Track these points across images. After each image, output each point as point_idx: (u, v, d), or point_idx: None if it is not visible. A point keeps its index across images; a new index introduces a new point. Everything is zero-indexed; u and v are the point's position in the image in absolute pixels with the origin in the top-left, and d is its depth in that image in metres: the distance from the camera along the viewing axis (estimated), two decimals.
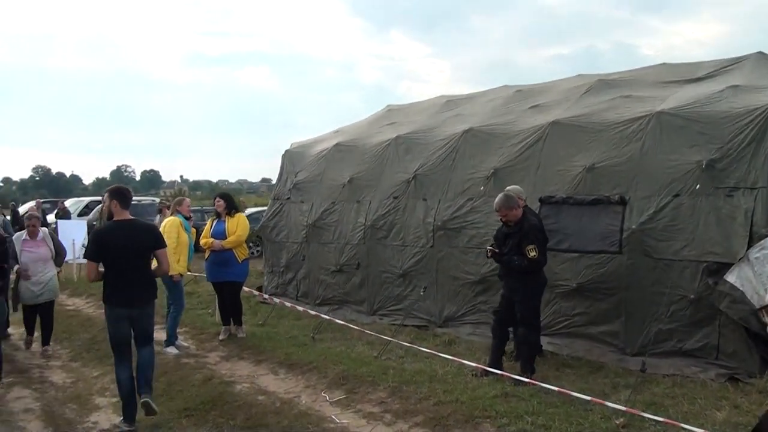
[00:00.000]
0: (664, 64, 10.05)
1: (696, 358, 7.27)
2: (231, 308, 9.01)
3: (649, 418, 5.45)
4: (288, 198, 11.82)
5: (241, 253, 8.95)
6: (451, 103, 11.44)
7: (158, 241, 6.09)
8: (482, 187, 9.06)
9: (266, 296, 10.92)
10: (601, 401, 5.84)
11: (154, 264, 6.09)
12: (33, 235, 8.71)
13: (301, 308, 9.71)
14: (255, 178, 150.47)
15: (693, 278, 7.33)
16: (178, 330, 8.75)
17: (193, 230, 8.90)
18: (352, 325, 8.81)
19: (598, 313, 7.86)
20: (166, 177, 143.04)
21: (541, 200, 8.50)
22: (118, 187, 6.15)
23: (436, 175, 9.72)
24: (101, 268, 5.85)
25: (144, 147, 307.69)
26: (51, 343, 9.07)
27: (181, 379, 7.23)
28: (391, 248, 9.97)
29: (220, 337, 8.92)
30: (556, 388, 6.15)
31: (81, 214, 20.15)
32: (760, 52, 9.14)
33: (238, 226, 8.90)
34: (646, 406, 5.92)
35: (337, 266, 10.64)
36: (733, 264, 7.05)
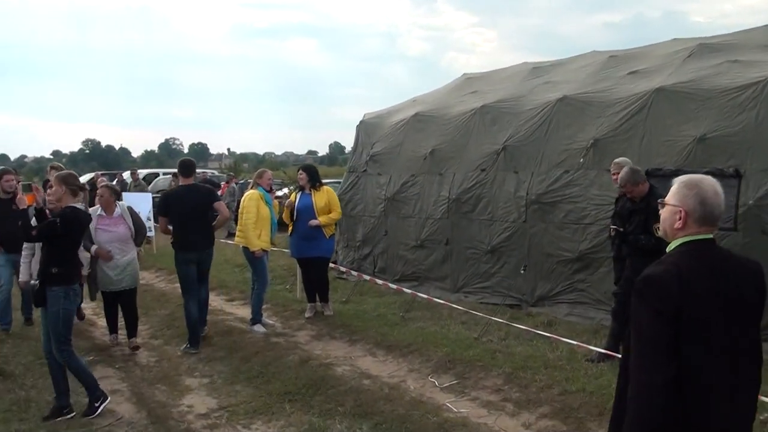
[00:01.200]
0: (767, 26, 9.35)
1: None
2: (318, 285, 8.69)
3: None
4: (364, 170, 11.42)
5: (329, 230, 8.61)
6: (537, 70, 10.88)
7: (212, 197, 8.04)
8: (582, 159, 8.55)
9: (352, 272, 10.50)
10: None
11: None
12: (109, 210, 7.40)
13: (382, 283, 9.35)
14: (301, 150, 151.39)
15: None
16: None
17: (276, 203, 8.54)
18: (445, 302, 8.43)
19: None
20: (213, 149, 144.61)
21: (647, 173, 7.94)
22: (181, 161, 8.17)
23: (528, 146, 9.22)
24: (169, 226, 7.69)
25: (191, 120, 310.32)
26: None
27: (275, 360, 6.92)
28: (478, 223, 9.55)
29: (307, 315, 8.62)
30: None
31: (136, 186, 20.06)
32: None
33: (330, 201, 8.57)
34: None
35: (417, 241, 10.25)
36: None
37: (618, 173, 7.03)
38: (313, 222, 8.36)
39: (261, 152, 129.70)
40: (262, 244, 8.09)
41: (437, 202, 10.07)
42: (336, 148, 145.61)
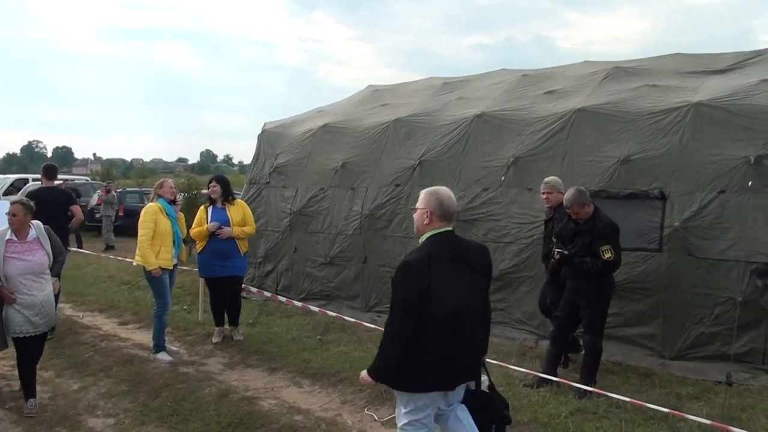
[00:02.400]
0: (677, 54, 9.67)
1: (740, 363, 6.92)
2: (230, 307, 7.97)
3: None
4: (267, 182, 10.79)
5: (244, 246, 7.94)
6: (447, 85, 10.70)
7: (70, 200, 8.68)
8: (503, 177, 8.41)
9: (264, 292, 9.75)
10: (685, 415, 5.33)
11: None
12: (22, 232, 5.82)
13: (299, 304, 8.77)
14: (171, 157, 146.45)
15: (740, 279, 6.96)
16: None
17: (180, 215, 7.75)
18: (366, 324, 7.97)
19: (633, 315, 7.38)
20: (78, 154, 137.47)
21: None
22: (45, 164, 8.88)
23: (445, 162, 8.99)
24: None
25: (57, 122, 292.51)
26: None
27: (189, 394, 6.18)
28: (392, 240, 9.20)
29: (214, 340, 7.88)
30: (628, 400, 5.60)
31: (6, 194, 18.28)
32: None
33: (245, 214, 7.91)
34: (722, 419, 5.44)
35: (327, 258, 9.76)
36: None
37: (549, 192, 6.93)
38: (226, 230, 7.67)
39: (129, 158, 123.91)
40: (160, 262, 7.26)
41: (349, 218, 9.63)
42: (208, 156, 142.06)
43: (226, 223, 7.72)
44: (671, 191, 7.39)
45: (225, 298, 7.93)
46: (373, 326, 7.99)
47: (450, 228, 3.86)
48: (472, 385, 3.98)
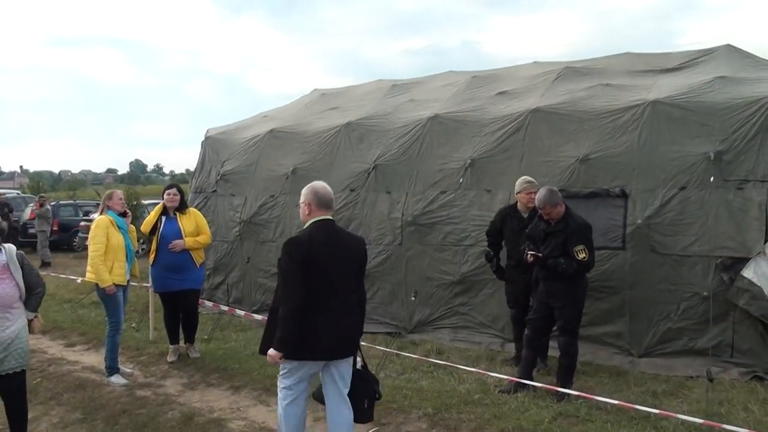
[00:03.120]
0: (627, 53, 9.73)
1: (708, 357, 6.95)
2: (187, 322, 7.53)
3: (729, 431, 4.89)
4: (214, 191, 10.35)
5: (199, 256, 7.52)
6: (396, 87, 10.51)
7: None
8: (461, 179, 8.26)
9: (209, 304, 9.16)
10: (670, 413, 5.26)
11: None
12: None
13: (259, 317, 8.37)
14: (100, 168, 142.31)
15: (705, 274, 7.01)
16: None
17: (131, 228, 7.29)
18: None
19: (599, 314, 7.33)
20: (5, 167, 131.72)
21: None
22: None
23: (401, 165, 8.79)
24: None
25: None
26: None
27: (150, 420, 5.73)
28: None
29: (169, 359, 7.42)
30: (615, 402, 5.49)
31: None
32: (729, 45, 9.02)
33: (198, 223, 7.50)
34: (705, 415, 5.40)
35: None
36: (749, 259, 6.80)
37: (534, 192, 6.74)
38: (178, 243, 7.24)
39: (56, 170, 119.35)
40: (115, 278, 6.81)
41: (302, 225, 9.26)
42: (138, 166, 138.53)
43: (178, 234, 7.30)
44: (632, 189, 7.38)
45: (182, 314, 7.50)
46: None
47: (329, 216, 4.48)
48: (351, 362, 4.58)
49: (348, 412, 4.42)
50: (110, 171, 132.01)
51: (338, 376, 4.40)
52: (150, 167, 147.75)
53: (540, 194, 6.13)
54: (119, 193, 7.27)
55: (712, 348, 6.93)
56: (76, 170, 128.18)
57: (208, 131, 11.26)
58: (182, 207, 7.49)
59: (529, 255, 6.15)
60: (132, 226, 7.32)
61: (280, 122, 10.45)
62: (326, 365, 4.37)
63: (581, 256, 5.93)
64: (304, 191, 4.55)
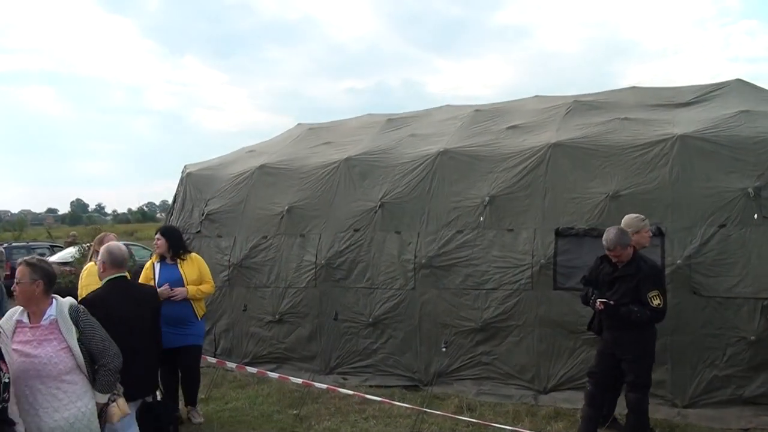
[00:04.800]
0: (633, 87, 9.47)
1: (758, 405, 6.53)
2: (188, 383, 6.65)
3: None
4: (198, 231, 9.47)
5: (201, 307, 6.69)
6: (393, 121, 9.95)
7: None
8: (482, 218, 7.71)
9: (212, 360, 8.24)
10: None
11: None
12: (35, 311, 3.92)
13: (253, 370, 7.54)
14: (40, 208, 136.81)
15: (751, 317, 6.62)
16: None
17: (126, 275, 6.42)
18: (344, 390, 6.91)
19: None
20: None
21: (557, 232, 7.39)
22: None
23: (410, 203, 8.19)
24: None
25: None
26: None
27: None
28: (355, 291, 8.23)
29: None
30: None
31: None
32: (739, 79, 8.85)
33: (201, 271, 6.68)
34: None
35: (275, 315, 8.61)
36: None
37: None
38: (180, 291, 6.39)
39: None
40: None
41: (300, 268, 8.56)
42: (79, 205, 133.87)
43: (179, 282, 6.47)
44: (668, 227, 6.98)
45: (181, 373, 6.62)
46: (350, 392, 6.98)
47: (123, 274, 5.01)
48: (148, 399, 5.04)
49: None
50: (51, 211, 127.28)
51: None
52: (92, 207, 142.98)
53: (610, 235, 5.56)
54: (113, 236, 6.41)
55: (759, 396, 6.54)
56: (15, 210, 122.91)
57: (186, 167, 10.44)
58: (181, 251, 6.67)
59: (598, 303, 5.56)
60: (126, 273, 6.46)
61: (270, 157, 9.72)
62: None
63: (655, 302, 5.39)
64: (101, 252, 5.09)
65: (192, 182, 9.95)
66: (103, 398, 3.97)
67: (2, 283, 15.81)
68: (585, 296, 5.85)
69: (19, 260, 3.93)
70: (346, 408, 6.90)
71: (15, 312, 3.95)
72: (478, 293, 7.60)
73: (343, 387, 7.46)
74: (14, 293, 3.96)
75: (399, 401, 6.87)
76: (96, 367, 3.92)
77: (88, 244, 15.44)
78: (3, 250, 17.13)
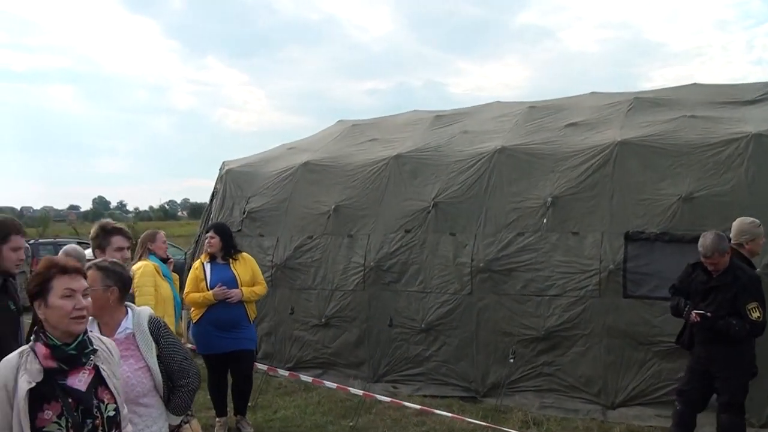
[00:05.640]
0: (694, 84, 9.03)
1: None
2: (241, 390, 6.27)
3: None
4: (239, 230, 9.08)
5: (253, 310, 6.30)
6: (442, 118, 9.53)
7: None
8: (545, 220, 7.27)
9: (263, 367, 7.76)
10: None
11: None
12: (108, 322, 3.37)
13: (309, 379, 7.15)
14: (62, 205, 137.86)
15: None
16: None
17: (175, 276, 6.07)
18: (407, 403, 6.50)
19: None
20: None
21: (627, 236, 6.94)
22: None
23: (466, 203, 7.77)
24: None
25: None
26: None
27: None
28: (406, 295, 7.82)
29: None
30: None
31: None
32: None
33: (254, 271, 6.29)
34: None
35: (321, 319, 8.22)
36: None
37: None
38: (236, 293, 5.99)
39: (18, 206, 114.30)
40: None
41: (348, 270, 8.16)
42: (101, 203, 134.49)
43: (233, 283, 6.08)
44: None
45: (233, 379, 6.23)
46: (410, 405, 6.56)
47: None
48: None
49: None
50: (73, 207, 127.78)
51: None
52: (113, 204, 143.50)
53: (707, 240, 5.08)
54: (163, 234, 6.03)
55: None
56: (37, 206, 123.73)
57: (225, 164, 10.08)
58: (233, 251, 6.28)
59: (694, 314, 5.11)
60: (175, 274, 6.11)
61: (314, 154, 9.33)
62: None
63: (755, 315, 4.93)
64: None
65: (232, 179, 9.58)
66: (176, 420, 3.47)
67: (26, 278, 15.66)
68: (676, 307, 5.38)
69: (88, 264, 3.43)
70: (403, 420, 6.50)
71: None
72: (540, 300, 7.17)
73: (395, 396, 7.08)
74: None
75: (458, 413, 6.48)
76: (173, 386, 3.39)
77: None
78: (29, 246, 16.96)
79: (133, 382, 3.19)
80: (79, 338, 2.63)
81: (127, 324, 3.34)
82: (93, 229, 4.93)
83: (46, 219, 42.81)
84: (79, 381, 2.62)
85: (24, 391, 2.48)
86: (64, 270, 2.63)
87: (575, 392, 6.97)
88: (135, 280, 5.69)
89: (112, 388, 2.71)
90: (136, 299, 5.58)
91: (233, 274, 6.12)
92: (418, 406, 6.37)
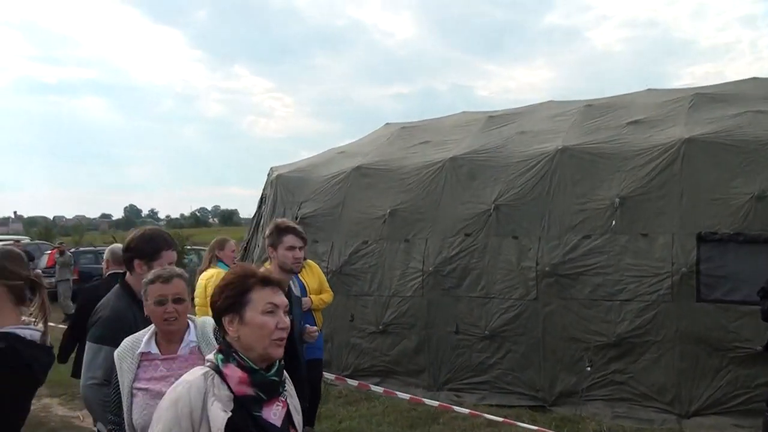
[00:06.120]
0: (754, 78, 8.77)
1: None
2: (310, 399, 6.12)
3: None
4: None
5: (320, 318, 6.15)
6: (495, 119, 9.33)
7: None
8: (613, 221, 7.04)
9: (331, 376, 7.65)
10: None
11: None
12: (169, 336, 2.99)
13: (380, 389, 7.03)
14: (93, 213, 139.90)
15: None
16: None
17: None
18: (488, 415, 6.31)
19: None
20: None
21: (699, 237, 6.68)
22: None
23: (528, 205, 7.56)
24: None
25: None
26: None
27: None
28: (467, 301, 7.63)
29: None
30: None
31: None
32: None
33: (321, 279, 6.14)
34: None
35: (378, 326, 8.05)
36: None
37: None
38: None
39: (51, 215, 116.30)
40: None
41: (406, 276, 7.99)
42: (132, 211, 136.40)
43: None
44: None
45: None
46: (491, 416, 6.36)
47: (123, 270, 3.94)
48: None
49: None
50: (105, 216, 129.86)
51: None
52: (145, 212, 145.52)
53: None
54: (233, 242, 5.90)
55: None
56: (70, 216, 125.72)
57: (273, 169, 9.96)
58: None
59: None
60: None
61: (365, 158, 9.17)
62: None
63: None
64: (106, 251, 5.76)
65: (282, 184, 9.44)
66: None
67: (69, 286, 15.56)
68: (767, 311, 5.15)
69: (177, 272, 3.20)
70: (474, 430, 6.30)
71: (136, 341, 3.00)
72: (610, 305, 6.93)
73: (460, 405, 6.89)
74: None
75: (528, 423, 6.27)
76: None
77: None
78: (71, 254, 17.06)
79: None
80: (277, 364, 2.18)
81: (191, 337, 3.01)
82: (268, 228, 4.82)
83: (81, 228, 43.21)
84: (275, 415, 2.15)
85: (221, 421, 2.02)
86: (266, 282, 2.18)
87: (648, 401, 6.72)
88: (206, 288, 5.58)
89: (297, 426, 2.31)
90: (198, 309, 5.46)
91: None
92: (500, 419, 6.17)
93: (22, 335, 2.47)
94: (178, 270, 3.08)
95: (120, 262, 5.46)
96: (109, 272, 5.36)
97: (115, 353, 2.99)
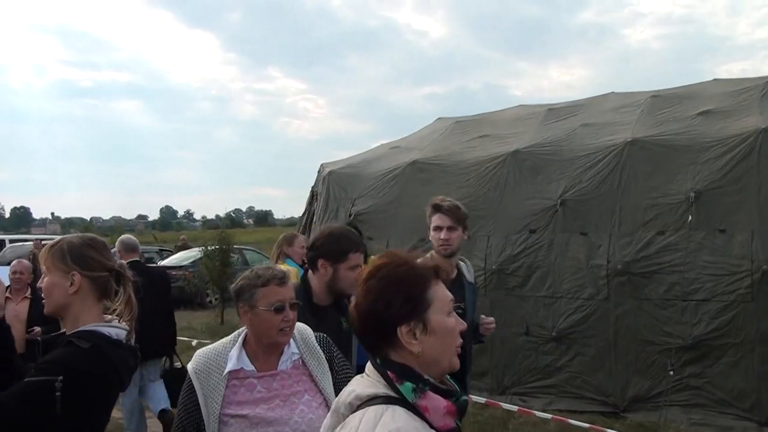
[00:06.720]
0: None
1: None
2: None
3: None
4: None
5: None
6: (555, 111, 9.02)
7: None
8: (690, 217, 6.69)
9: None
10: None
11: None
12: (267, 350, 2.51)
13: (483, 400, 6.76)
14: (131, 214, 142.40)
15: None
16: None
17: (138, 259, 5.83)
18: (576, 422, 6.03)
19: None
20: (36, 214, 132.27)
21: None
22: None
23: (597, 200, 7.24)
24: None
25: (11, 182, 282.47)
26: None
27: None
28: (533, 300, 7.34)
29: None
30: None
31: None
32: None
33: None
34: None
35: None
36: None
37: None
38: None
39: (88, 217, 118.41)
40: None
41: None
42: (168, 212, 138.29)
43: None
44: None
45: None
46: (578, 423, 6.08)
47: (136, 258, 5.58)
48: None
49: None
50: (141, 217, 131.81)
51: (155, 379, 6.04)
52: (180, 213, 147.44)
53: None
54: (302, 238, 5.70)
55: None
56: (106, 216, 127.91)
57: (323, 166, 9.75)
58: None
59: None
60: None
61: (421, 153, 8.91)
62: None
63: None
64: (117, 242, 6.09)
65: (335, 181, 9.22)
66: None
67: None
68: None
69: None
70: None
71: (219, 356, 2.49)
72: (686, 305, 6.59)
73: (531, 409, 6.62)
74: None
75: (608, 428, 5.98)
76: None
77: (201, 248, 15.05)
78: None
79: (317, 425, 2.06)
80: (449, 378, 1.68)
81: (292, 348, 2.52)
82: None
83: (118, 228, 43.68)
84: None
85: None
86: (438, 273, 1.65)
87: (725, 407, 6.36)
88: None
89: None
90: None
91: None
92: (586, 425, 5.90)
93: (107, 334, 2.25)
94: (284, 268, 2.81)
95: (131, 250, 5.87)
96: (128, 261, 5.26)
97: (192, 370, 2.47)
